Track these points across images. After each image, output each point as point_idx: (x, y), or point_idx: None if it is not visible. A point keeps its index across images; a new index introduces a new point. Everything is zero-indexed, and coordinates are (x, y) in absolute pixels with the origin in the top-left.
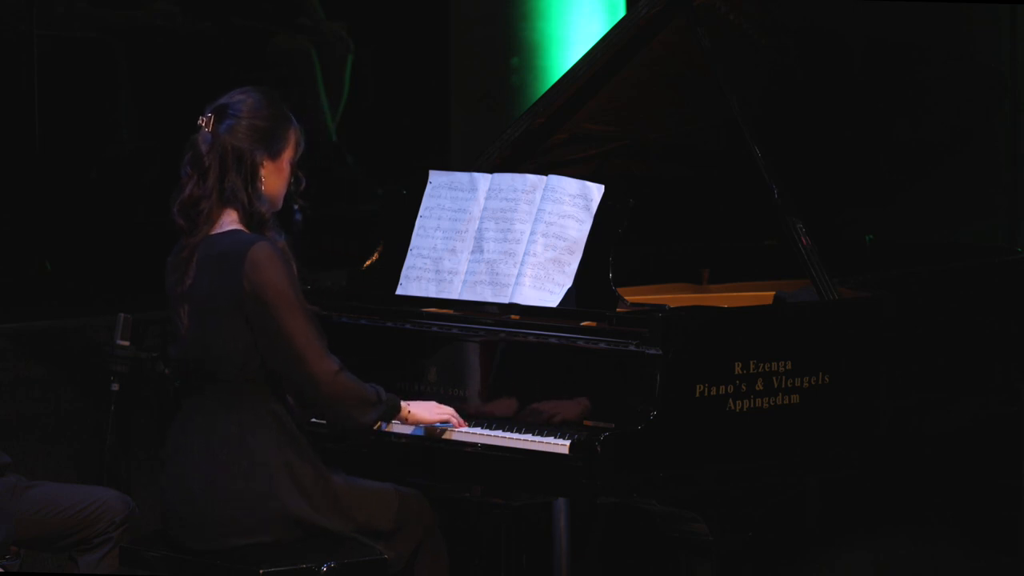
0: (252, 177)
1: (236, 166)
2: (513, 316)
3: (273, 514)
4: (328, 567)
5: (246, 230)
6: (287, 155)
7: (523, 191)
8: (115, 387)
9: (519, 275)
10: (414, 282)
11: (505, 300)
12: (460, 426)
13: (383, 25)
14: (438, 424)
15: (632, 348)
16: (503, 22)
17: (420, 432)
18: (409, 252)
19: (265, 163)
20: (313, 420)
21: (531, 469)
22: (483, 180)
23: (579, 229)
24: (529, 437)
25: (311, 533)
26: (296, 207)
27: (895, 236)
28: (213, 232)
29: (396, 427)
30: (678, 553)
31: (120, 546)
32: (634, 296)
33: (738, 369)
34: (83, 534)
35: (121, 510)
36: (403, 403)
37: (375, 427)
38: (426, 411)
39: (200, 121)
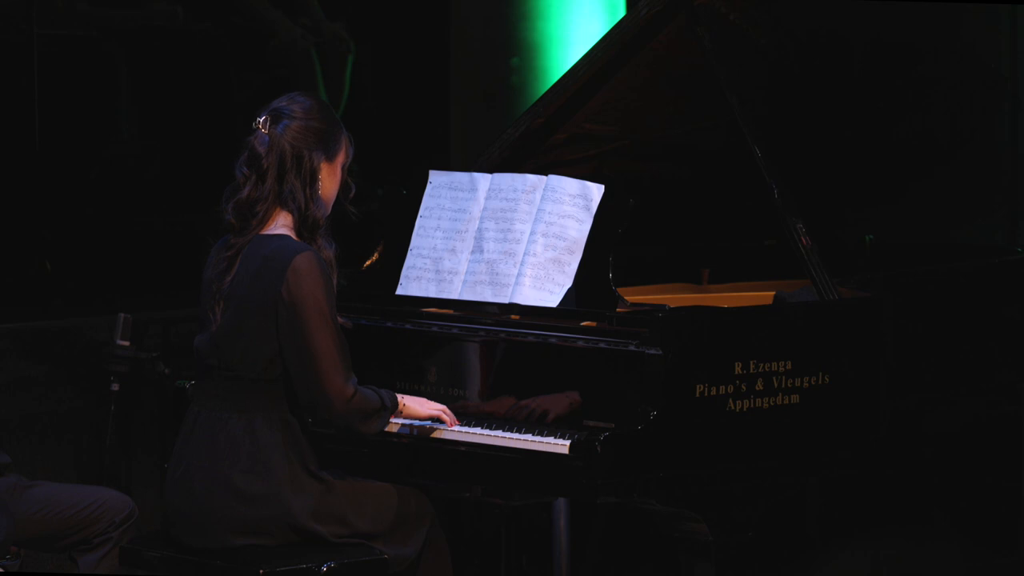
0: (311, 179)
1: (296, 168)
2: (513, 316)
3: (274, 515)
4: (328, 567)
5: (295, 236)
6: (341, 159)
7: (523, 191)
8: (115, 387)
9: (519, 275)
10: (414, 282)
11: (505, 300)
12: (453, 423)
13: (383, 25)
14: (427, 423)
15: (632, 348)
16: (503, 22)
17: (420, 432)
18: (409, 252)
19: (323, 166)
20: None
21: (531, 469)
22: (483, 180)
23: (579, 229)
24: (529, 437)
25: (310, 539)
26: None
27: (895, 236)
28: (263, 232)
29: (396, 428)
30: (678, 553)
31: (120, 546)
32: (634, 296)
33: (738, 369)
34: (83, 534)
35: (121, 510)
36: (399, 399)
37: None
38: (419, 406)
39: (255, 124)
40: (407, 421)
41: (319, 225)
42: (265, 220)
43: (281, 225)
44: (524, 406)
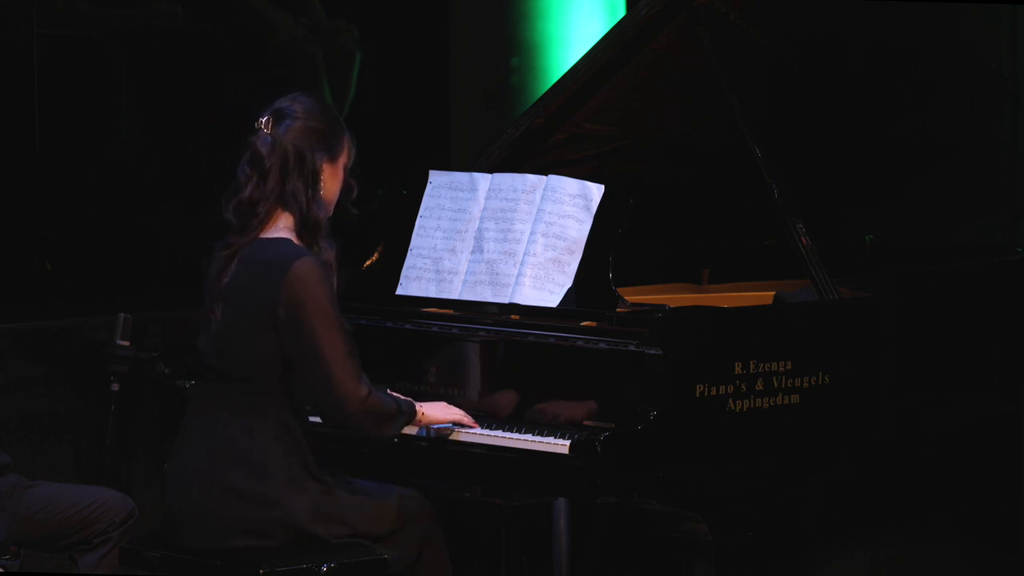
0: (313, 180)
1: (298, 168)
2: (513, 316)
3: (273, 517)
4: (328, 567)
5: (296, 239)
6: (343, 159)
7: (523, 191)
8: (115, 387)
9: (519, 275)
10: (414, 282)
11: (505, 300)
12: (473, 426)
13: (383, 25)
14: (450, 424)
15: (632, 348)
16: (503, 22)
17: (421, 433)
18: (409, 252)
19: (325, 166)
20: (312, 419)
21: (531, 469)
22: (483, 180)
23: (579, 229)
24: (529, 437)
25: (310, 541)
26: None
27: (895, 236)
28: (263, 235)
29: (414, 431)
30: (678, 553)
31: (120, 546)
32: (634, 296)
33: (738, 369)
34: (83, 534)
35: (121, 510)
36: (417, 406)
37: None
38: (439, 411)
39: (258, 124)
40: (414, 432)
41: (320, 226)
42: (266, 221)
43: (282, 227)
44: (524, 406)
